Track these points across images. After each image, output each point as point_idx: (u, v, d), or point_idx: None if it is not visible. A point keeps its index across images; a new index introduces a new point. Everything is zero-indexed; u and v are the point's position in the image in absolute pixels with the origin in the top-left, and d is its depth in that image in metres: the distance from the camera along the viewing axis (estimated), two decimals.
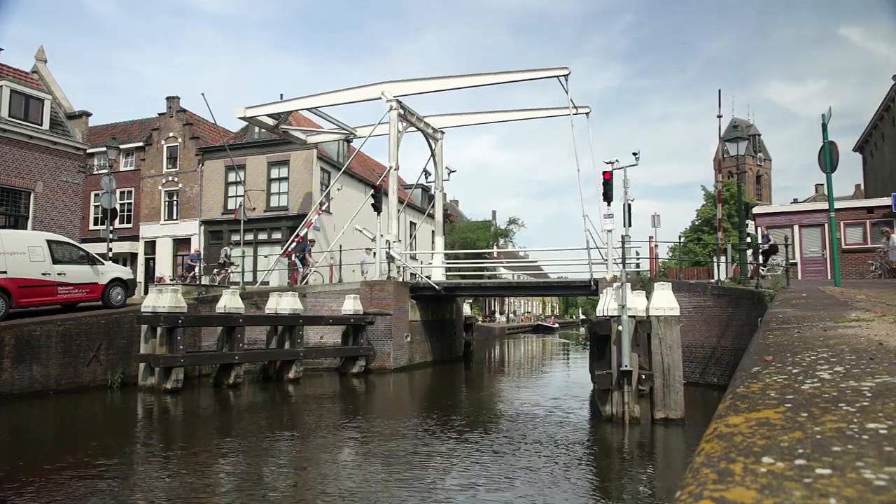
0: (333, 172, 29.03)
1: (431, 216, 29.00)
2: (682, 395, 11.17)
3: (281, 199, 29.21)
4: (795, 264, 20.67)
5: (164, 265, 30.79)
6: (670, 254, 28.37)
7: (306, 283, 22.92)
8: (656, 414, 11.13)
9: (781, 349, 2.62)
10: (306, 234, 24.61)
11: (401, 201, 25.78)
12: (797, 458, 1.06)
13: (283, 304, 17.50)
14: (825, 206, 16.50)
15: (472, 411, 14.23)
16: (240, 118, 25.30)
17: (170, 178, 31.38)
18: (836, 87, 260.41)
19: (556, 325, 59.92)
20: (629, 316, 11.23)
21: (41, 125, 20.01)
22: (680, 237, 20.66)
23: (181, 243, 30.84)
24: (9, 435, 10.61)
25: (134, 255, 31.70)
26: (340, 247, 22.04)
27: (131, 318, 15.31)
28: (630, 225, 16.11)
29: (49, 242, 14.53)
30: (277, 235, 28.67)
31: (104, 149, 22.95)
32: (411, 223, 35.62)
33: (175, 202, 31.36)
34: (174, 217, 31.32)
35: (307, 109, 26.05)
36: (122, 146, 29.96)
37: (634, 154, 18.23)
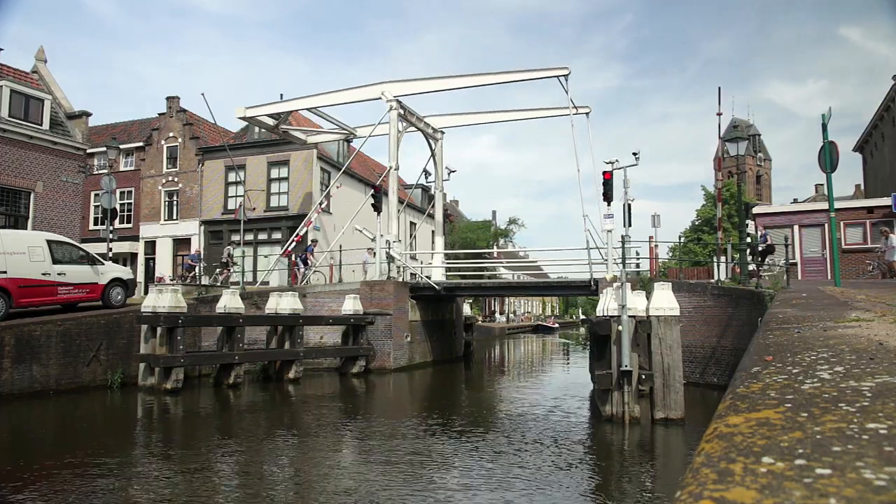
0: (333, 172, 29.03)
1: (431, 216, 29.00)
2: (682, 395, 11.17)
3: (281, 199, 29.21)
4: (795, 264, 20.67)
5: (164, 265, 30.79)
6: (670, 254, 28.39)
7: (307, 282, 22.93)
8: (656, 414, 11.13)
9: (781, 349, 2.62)
10: (306, 233, 24.62)
11: (401, 201, 25.78)
12: (797, 458, 1.06)
13: (283, 304, 17.50)
14: (825, 206, 16.50)
15: (472, 411, 14.24)
16: (240, 118, 25.31)
17: (170, 178, 31.38)
18: (836, 87, 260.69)
19: (556, 325, 59.92)
20: (629, 316, 11.23)
21: (41, 125, 20.01)
22: (680, 237, 20.67)
23: (181, 243, 30.84)
24: (9, 435, 10.62)
25: (134, 255, 31.70)
26: (340, 247, 22.05)
27: (131, 318, 15.31)
28: (630, 225, 16.12)
29: (49, 242, 14.53)
30: (277, 235, 28.67)
31: (104, 149, 22.95)
32: (411, 223, 35.62)
33: (175, 202, 31.36)
34: (174, 217, 31.32)
35: (307, 109, 26.06)
36: (122, 146, 29.97)
37: (634, 154, 18.22)
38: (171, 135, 31.58)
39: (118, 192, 27.17)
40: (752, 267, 17.33)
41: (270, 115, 25.55)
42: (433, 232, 31.70)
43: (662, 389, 11.13)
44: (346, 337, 19.38)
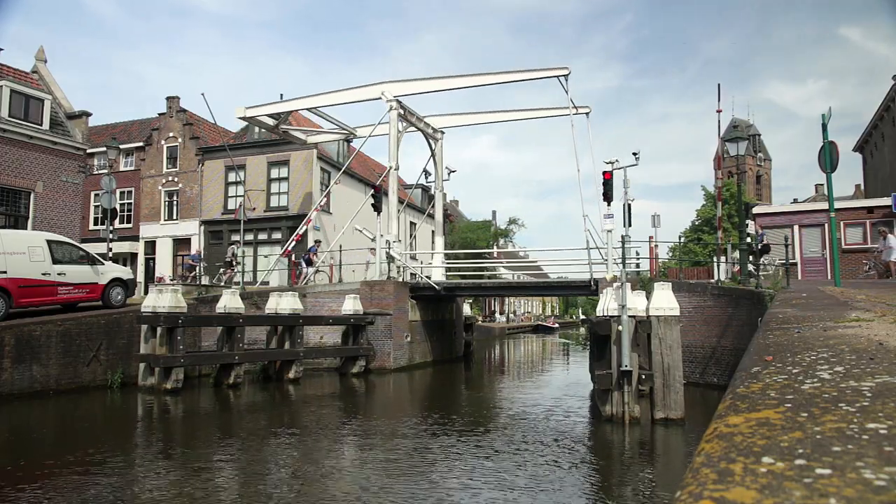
0: (333, 172, 29.04)
1: (431, 216, 29.00)
2: (682, 395, 11.17)
3: (281, 199, 29.22)
4: (795, 264, 20.67)
5: (164, 265, 30.80)
6: (670, 254, 28.40)
7: (308, 282, 22.93)
8: (656, 414, 11.13)
9: (781, 349, 2.62)
10: (305, 232, 24.61)
11: (401, 201, 25.78)
12: (797, 458, 1.06)
13: (283, 304, 17.50)
14: (825, 206, 16.51)
15: (472, 411, 14.23)
16: (240, 118, 25.31)
17: (170, 178, 31.38)
18: (836, 87, 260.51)
19: (556, 325, 59.92)
20: (629, 316, 11.23)
21: (41, 125, 20.01)
22: (680, 237, 20.67)
23: (181, 243, 30.85)
24: (9, 435, 10.61)
25: (134, 255, 31.70)
26: (340, 247, 22.05)
27: (131, 318, 15.31)
28: (630, 225, 16.13)
29: (49, 242, 14.53)
30: (277, 235, 28.67)
31: (104, 149, 22.95)
32: (411, 223, 35.62)
33: (175, 202, 31.37)
34: (174, 217, 31.33)
35: (307, 109, 26.06)
36: (122, 146, 29.97)
37: (634, 154, 18.23)
38: (171, 135, 31.58)
39: (118, 192, 27.17)
40: (751, 267, 17.34)
41: (270, 115, 25.56)
42: (433, 232, 31.70)
43: (662, 389, 11.13)
44: (346, 337, 19.38)
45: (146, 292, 20.63)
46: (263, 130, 27.88)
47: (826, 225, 19.70)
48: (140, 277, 28.80)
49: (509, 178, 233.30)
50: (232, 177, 29.14)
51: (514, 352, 34.98)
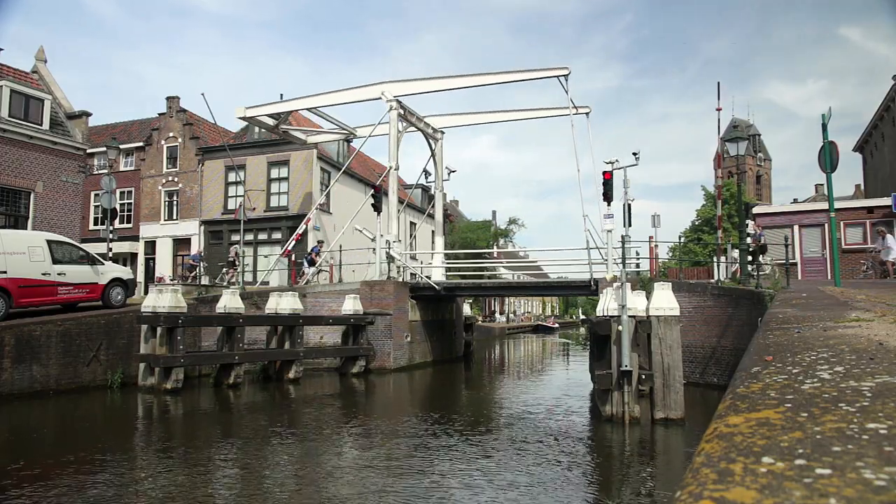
0: (333, 172, 29.03)
1: (431, 216, 29.00)
2: (682, 395, 11.17)
3: (281, 199, 29.22)
4: (795, 264, 20.66)
5: (164, 265, 30.80)
6: (670, 254, 28.38)
7: (308, 282, 22.92)
8: (656, 414, 11.13)
9: (781, 349, 2.62)
10: (305, 231, 24.60)
11: (401, 201, 25.78)
12: (797, 458, 1.06)
13: (283, 304, 17.50)
14: (825, 206, 16.50)
15: (472, 411, 14.23)
16: (240, 118, 25.31)
17: (170, 178, 31.38)
18: (836, 87, 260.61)
19: (556, 325, 59.92)
20: (629, 316, 11.23)
21: (41, 125, 20.01)
22: (680, 237, 20.66)
23: (181, 243, 30.85)
24: (9, 435, 10.61)
25: (134, 255, 31.70)
26: (340, 247, 22.05)
27: (131, 318, 15.31)
28: (630, 225, 16.10)
29: (49, 242, 14.54)
30: (277, 235, 28.67)
31: (104, 149, 22.95)
32: (411, 223, 35.62)
33: (175, 202, 31.37)
34: (174, 217, 31.33)
35: (307, 109, 26.06)
36: (122, 146, 29.97)
37: (634, 154, 18.22)
38: (171, 135, 31.58)
39: (118, 192, 27.18)
40: (750, 267, 17.34)
41: (270, 115, 25.56)
42: (433, 232, 31.70)
43: (662, 389, 11.13)
44: (346, 337, 19.37)
45: (146, 292, 20.63)
46: (263, 130, 27.88)
47: (826, 225, 19.69)
48: (140, 277, 28.80)
49: (509, 178, 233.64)
50: (232, 177, 29.14)
51: (514, 352, 34.98)
